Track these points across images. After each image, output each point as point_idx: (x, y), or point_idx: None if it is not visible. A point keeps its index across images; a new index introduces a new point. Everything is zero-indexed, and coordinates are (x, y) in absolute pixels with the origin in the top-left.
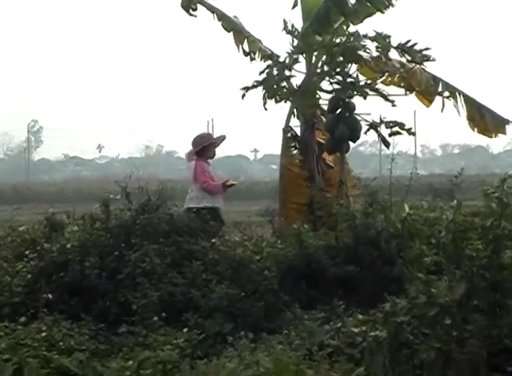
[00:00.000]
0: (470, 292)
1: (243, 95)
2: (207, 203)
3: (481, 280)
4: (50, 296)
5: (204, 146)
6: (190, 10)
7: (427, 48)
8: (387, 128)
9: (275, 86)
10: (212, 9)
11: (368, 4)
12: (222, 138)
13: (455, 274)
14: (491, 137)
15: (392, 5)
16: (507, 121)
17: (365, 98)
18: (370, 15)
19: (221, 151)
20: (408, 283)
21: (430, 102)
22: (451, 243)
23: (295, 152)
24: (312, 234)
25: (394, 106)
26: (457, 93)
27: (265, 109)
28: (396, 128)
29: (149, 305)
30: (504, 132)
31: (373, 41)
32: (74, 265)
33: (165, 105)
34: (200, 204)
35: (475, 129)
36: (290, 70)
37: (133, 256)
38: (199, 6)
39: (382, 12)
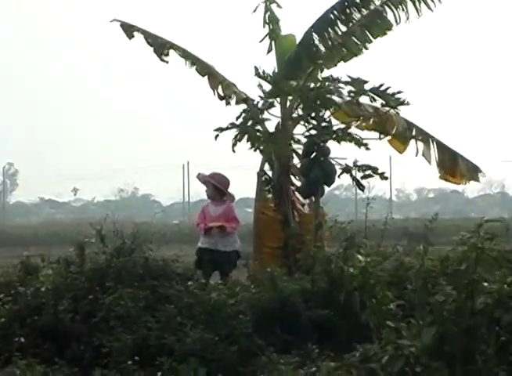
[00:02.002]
0: (441, 337)
1: (217, 136)
2: (201, 244)
3: (452, 325)
4: (22, 340)
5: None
6: (163, 56)
7: (399, 92)
8: (359, 171)
9: (249, 130)
10: (186, 54)
11: (342, 48)
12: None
13: (425, 319)
14: (460, 184)
15: (366, 49)
16: (479, 170)
17: (339, 142)
18: (344, 59)
19: (195, 194)
20: (375, 331)
21: (404, 147)
22: (421, 288)
23: (269, 196)
24: (287, 278)
25: (367, 149)
26: (430, 139)
27: (233, 151)
28: (369, 172)
29: (123, 349)
30: (477, 180)
31: (346, 85)
32: (48, 309)
33: (141, 148)
34: (198, 244)
35: (446, 176)
36: (263, 113)
37: (107, 299)
38: (172, 52)
39: (356, 56)
